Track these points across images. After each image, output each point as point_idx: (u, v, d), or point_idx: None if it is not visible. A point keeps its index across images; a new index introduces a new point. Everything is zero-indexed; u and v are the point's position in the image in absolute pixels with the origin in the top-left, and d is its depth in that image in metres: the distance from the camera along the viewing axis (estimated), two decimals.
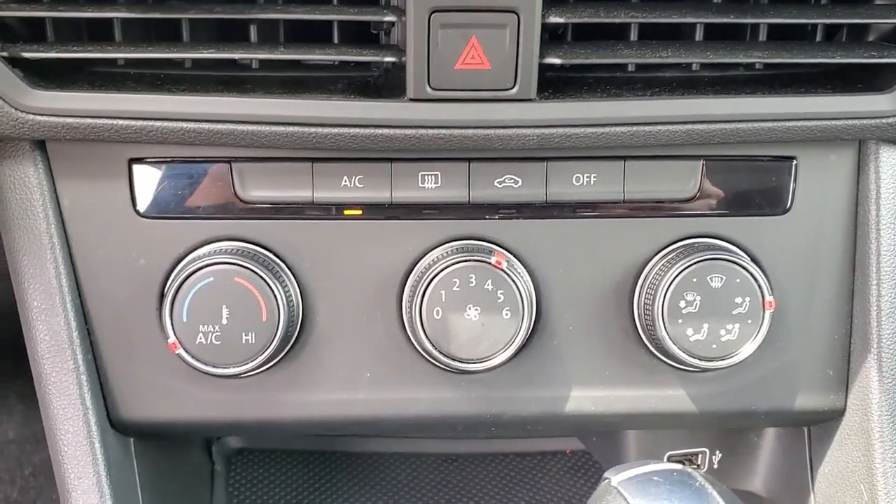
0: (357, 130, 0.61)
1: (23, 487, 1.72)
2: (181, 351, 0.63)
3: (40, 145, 0.63)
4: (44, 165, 0.64)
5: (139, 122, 0.61)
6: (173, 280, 0.63)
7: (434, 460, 0.94)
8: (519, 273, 0.65)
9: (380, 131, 0.62)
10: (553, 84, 0.62)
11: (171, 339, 0.62)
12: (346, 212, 0.66)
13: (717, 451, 0.82)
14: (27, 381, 1.83)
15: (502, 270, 0.64)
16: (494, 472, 0.93)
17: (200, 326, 0.63)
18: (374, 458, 0.97)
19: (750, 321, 0.65)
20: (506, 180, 0.66)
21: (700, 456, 0.83)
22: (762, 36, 0.65)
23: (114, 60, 0.62)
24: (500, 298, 0.64)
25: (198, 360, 0.63)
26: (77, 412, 0.64)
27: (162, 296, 0.64)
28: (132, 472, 0.69)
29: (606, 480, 0.45)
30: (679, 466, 0.46)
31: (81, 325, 0.65)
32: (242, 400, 0.66)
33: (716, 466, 0.82)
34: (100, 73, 0.62)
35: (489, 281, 0.64)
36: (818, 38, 0.66)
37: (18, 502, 1.70)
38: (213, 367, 0.63)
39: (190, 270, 0.62)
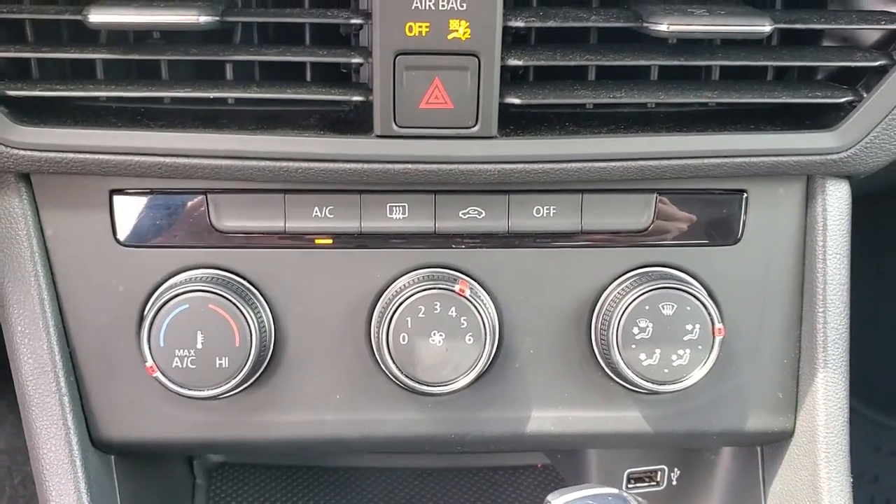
0: (327, 165, 0.65)
1: (12, 496, 1.74)
2: (158, 374, 0.65)
3: (25, 177, 0.66)
4: (28, 197, 0.67)
5: (119, 157, 0.64)
6: (151, 306, 0.66)
7: (408, 474, 0.97)
8: (482, 300, 0.68)
9: (349, 166, 0.65)
10: (515, 119, 0.65)
11: (149, 362, 0.65)
12: (317, 241, 0.69)
13: (676, 469, 0.85)
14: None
15: (466, 298, 0.67)
16: (467, 485, 0.96)
17: (176, 351, 0.65)
18: (351, 472, 0.99)
19: (700, 347, 0.68)
20: (470, 212, 0.69)
21: (659, 473, 0.86)
22: (715, 75, 0.68)
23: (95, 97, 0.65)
24: (463, 324, 0.67)
25: (174, 382, 0.66)
26: (59, 432, 0.67)
27: (140, 319, 0.67)
28: (113, 490, 0.72)
29: (547, 503, 0.48)
30: (615, 491, 0.49)
31: (64, 348, 0.68)
32: (218, 421, 0.69)
33: (674, 483, 0.85)
34: (82, 108, 0.65)
35: (453, 308, 0.67)
36: (769, 77, 0.70)
37: None
38: (189, 389, 0.66)
39: (167, 297, 0.65)
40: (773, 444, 0.76)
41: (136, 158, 0.64)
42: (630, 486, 0.75)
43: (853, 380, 1.80)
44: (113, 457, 0.72)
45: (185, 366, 0.66)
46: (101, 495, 0.69)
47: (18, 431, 1.74)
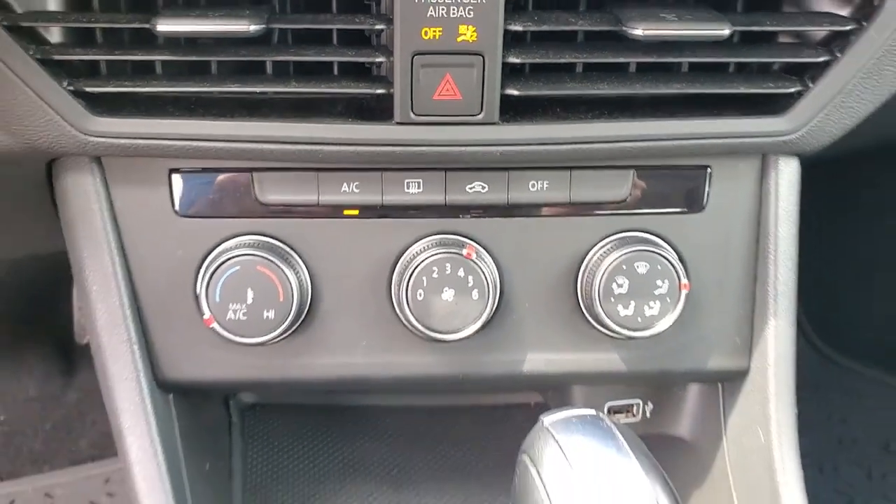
0: (354, 148, 0.76)
1: (45, 440, 1.88)
2: (215, 325, 0.78)
3: (97, 160, 0.78)
4: (100, 176, 0.78)
5: (178, 143, 0.75)
6: (207, 268, 0.78)
7: (420, 411, 1.10)
8: (486, 262, 0.81)
9: (373, 149, 0.76)
10: (514, 107, 0.77)
11: (207, 315, 0.78)
12: (346, 212, 0.81)
13: (649, 402, 0.99)
14: (44, 345, 1.99)
15: (472, 260, 0.79)
16: (470, 421, 1.09)
17: (230, 305, 0.78)
18: (367, 410, 1.12)
19: (668, 300, 0.80)
20: (475, 186, 0.81)
21: (635, 406, 0.99)
22: (684, 69, 0.80)
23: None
24: (470, 283, 0.79)
25: (228, 332, 0.78)
26: (131, 374, 0.79)
27: (196, 280, 0.79)
28: (172, 423, 0.84)
29: (540, 422, 0.60)
30: (592, 412, 0.61)
31: (132, 304, 0.80)
32: (263, 363, 0.82)
33: (648, 415, 0.99)
34: (143, 100, 0.76)
35: (461, 269, 0.79)
36: (731, 70, 0.81)
37: (41, 453, 1.86)
38: (241, 337, 0.79)
39: (221, 261, 0.77)
40: (732, 381, 0.90)
41: (192, 144, 0.75)
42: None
43: (831, 331, 1.96)
44: (171, 395, 0.84)
45: (237, 318, 0.78)
46: (163, 427, 0.81)
47: (47, 380, 1.87)
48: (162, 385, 0.82)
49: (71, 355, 1.92)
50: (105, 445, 1.84)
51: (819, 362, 2.12)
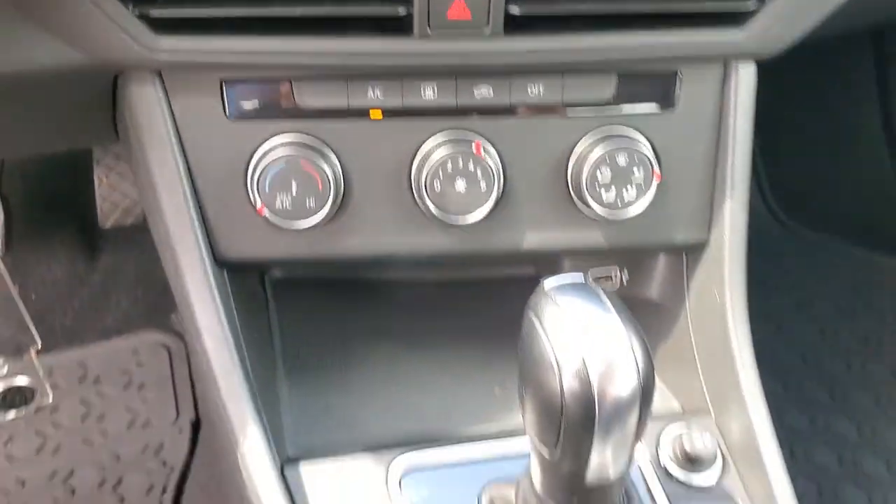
0: (379, 59, 0.90)
1: (74, 317, 2.04)
2: (265, 212, 0.93)
3: (158, 73, 0.91)
4: (161, 86, 0.91)
5: (228, 57, 0.88)
6: (256, 164, 0.92)
7: (430, 285, 1.26)
8: (491, 156, 0.95)
9: (395, 60, 0.90)
10: (517, 22, 0.89)
11: (258, 205, 0.92)
12: (371, 114, 0.95)
13: (625, 270, 1.16)
14: (69, 230, 2.15)
15: (480, 155, 0.94)
16: (475, 291, 1.24)
17: (277, 195, 0.92)
18: (383, 284, 1.28)
19: (643, 186, 0.95)
20: (482, 90, 0.94)
21: (613, 274, 1.17)
22: None
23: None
24: (478, 174, 0.94)
25: (277, 218, 0.93)
26: (194, 252, 0.93)
27: (246, 174, 0.94)
28: (227, 294, 1.00)
29: (541, 285, 0.76)
30: (582, 279, 0.77)
31: (194, 195, 0.94)
32: (306, 243, 0.96)
33: (624, 282, 1.16)
34: (195, 21, 0.88)
35: (471, 161, 0.94)
36: None
37: (71, 328, 2.02)
38: (287, 221, 0.94)
39: (268, 159, 0.92)
40: (694, 251, 1.05)
41: (242, 58, 0.88)
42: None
43: (794, 204, 2.14)
44: (226, 271, 1.00)
45: (284, 206, 0.93)
46: (223, 298, 0.97)
47: (72, 263, 2.02)
48: (220, 262, 0.97)
49: (94, 240, 2.05)
50: (130, 321, 2.01)
51: (782, 234, 2.30)
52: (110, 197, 1.94)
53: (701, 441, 0.96)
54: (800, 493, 1.88)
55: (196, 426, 1.83)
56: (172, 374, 1.93)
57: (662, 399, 1.10)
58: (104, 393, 1.88)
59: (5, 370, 0.86)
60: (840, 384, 2.02)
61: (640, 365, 0.70)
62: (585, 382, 0.68)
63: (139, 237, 2.03)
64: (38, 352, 0.82)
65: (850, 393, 2.00)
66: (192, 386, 1.90)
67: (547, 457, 0.74)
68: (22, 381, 0.85)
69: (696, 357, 1.06)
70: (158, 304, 2.03)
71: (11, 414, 0.87)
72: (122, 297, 2.03)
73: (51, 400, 0.88)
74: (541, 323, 0.71)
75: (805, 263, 2.28)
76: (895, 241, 2.21)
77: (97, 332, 2.00)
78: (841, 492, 1.84)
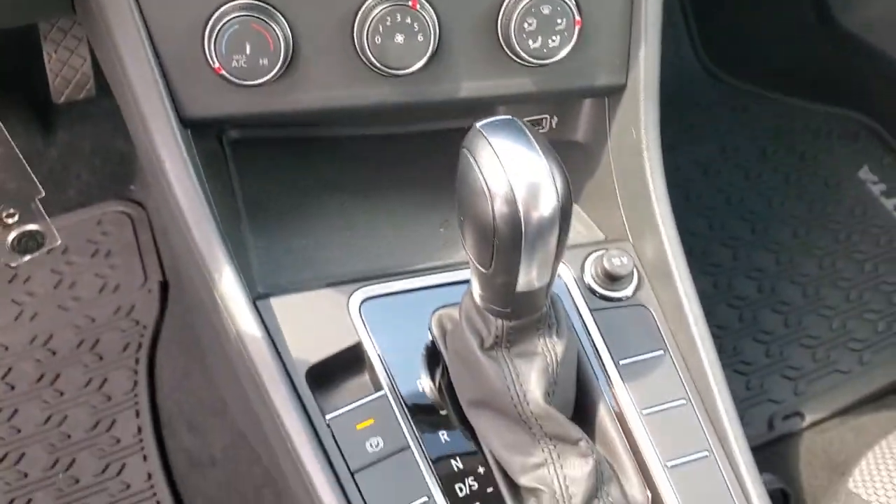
0: None
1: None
2: (223, 72, 1.01)
3: None
4: None
5: None
6: (211, 28, 1.00)
7: (377, 139, 1.33)
8: (427, 10, 1.03)
9: None
10: None
11: (216, 65, 1.01)
12: None
13: (554, 116, 1.27)
14: (23, 108, 2.17)
15: (416, 9, 1.02)
16: (420, 143, 1.32)
17: (234, 56, 1.00)
18: (334, 140, 1.36)
19: (566, 33, 1.05)
20: None
21: (544, 119, 1.28)
22: None
23: None
24: (416, 28, 1.03)
25: (234, 76, 1.01)
26: (161, 112, 0.99)
27: (203, 38, 1.01)
28: (192, 150, 1.08)
29: (474, 126, 0.87)
30: (510, 117, 0.88)
31: (156, 58, 1.01)
32: (261, 100, 1.05)
33: (553, 126, 1.28)
34: None
35: (408, 17, 1.02)
36: None
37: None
38: (243, 80, 1.02)
39: (223, 22, 0.99)
40: (614, 94, 1.15)
41: None
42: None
43: (722, 53, 2.24)
44: (189, 130, 1.09)
45: (240, 65, 1.01)
46: (188, 153, 1.06)
47: (30, 138, 2.06)
48: (184, 122, 1.06)
49: (49, 116, 2.09)
50: (91, 194, 2.08)
51: (711, 84, 2.42)
52: (61, 73, 1.98)
53: (619, 260, 1.11)
54: (723, 320, 2.08)
55: (164, 286, 1.94)
56: (137, 241, 2.02)
57: (587, 230, 1.24)
58: (73, 262, 1.98)
59: (17, 218, 0.95)
60: (762, 221, 2.19)
61: (559, 189, 0.82)
62: (513, 205, 0.80)
63: (93, 110, 2.08)
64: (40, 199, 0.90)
65: (770, 228, 2.17)
66: (157, 250, 2.00)
67: (484, 271, 0.87)
68: (32, 226, 0.95)
69: (617, 192, 1.19)
70: (117, 175, 2.10)
71: (27, 257, 0.97)
72: (82, 170, 2.10)
73: (59, 242, 0.97)
74: (474, 157, 0.82)
75: (732, 111, 2.42)
76: (814, 86, 2.35)
77: (60, 206, 2.07)
78: (760, 317, 2.04)
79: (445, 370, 1.04)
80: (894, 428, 1.84)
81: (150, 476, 1.72)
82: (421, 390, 1.04)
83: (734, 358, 1.96)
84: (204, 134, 1.16)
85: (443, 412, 1.04)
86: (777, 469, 1.78)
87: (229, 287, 1.02)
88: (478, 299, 0.93)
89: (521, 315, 0.91)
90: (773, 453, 1.84)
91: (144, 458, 1.74)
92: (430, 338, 1.07)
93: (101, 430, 1.76)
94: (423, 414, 1.03)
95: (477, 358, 0.94)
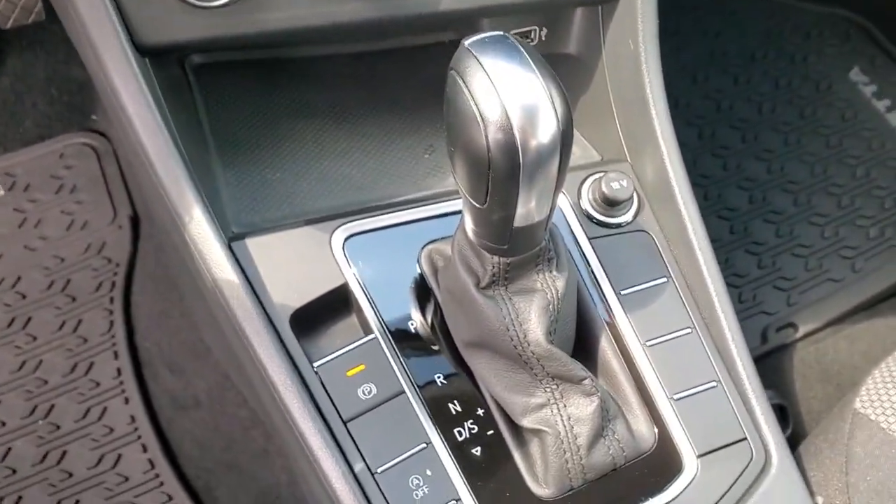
0: None
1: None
2: None
3: None
4: None
5: None
6: None
7: (350, 57, 1.25)
8: None
9: None
10: None
11: None
12: None
13: (544, 28, 1.18)
14: None
15: None
16: (396, 61, 1.24)
17: None
18: (303, 60, 1.26)
19: None
20: None
21: (532, 32, 1.18)
22: None
23: None
24: None
25: None
26: (113, 41, 0.91)
27: None
28: (153, 82, 0.99)
29: (462, 44, 0.78)
30: (501, 33, 0.79)
31: None
32: (221, 22, 0.96)
33: (543, 38, 1.19)
34: None
35: None
36: None
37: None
38: (201, 1, 0.93)
39: None
40: (609, 3, 1.07)
41: None
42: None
43: None
44: (147, 59, 0.99)
45: None
46: (147, 84, 0.97)
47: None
48: (140, 50, 0.96)
49: None
50: (51, 125, 1.97)
51: None
52: None
53: (618, 183, 1.04)
54: (714, 232, 2.03)
55: (135, 221, 1.86)
56: (103, 174, 1.93)
57: (583, 151, 1.16)
58: (37, 199, 1.89)
59: None
60: (752, 128, 2.12)
61: (559, 113, 0.74)
62: (509, 133, 0.72)
63: (45, 36, 1.95)
64: None
65: (761, 135, 2.11)
66: (125, 183, 1.91)
67: (478, 206, 0.80)
68: None
69: (614, 108, 1.11)
70: (76, 105, 1.99)
71: None
72: (38, 100, 1.98)
73: (2, 192, 0.90)
74: (463, 80, 0.74)
75: (720, 13, 2.32)
76: None
77: (18, 140, 1.96)
78: (752, 228, 1.99)
79: (438, 308, 0.98)
80: (888, 336, 1.82)
81: (133, 419, 1.67)
82: (413, 331, 0.98)
83: (726, 271, 1.92)
84: (163, 61, 1.06)
85: (435, 347, 0.98)
86: (772, 383, 1.76)
87: (201, 228, 0.95)
88: (471, 235, 0.86)
89: (519, 251, 0.84)
90: (767, 366, 1.82)
91: (126, 400, 1.68)
92: (419, 272, 1.00)
93: (78, 373, 1.70)
94: (416, 356, 0.97)
95: (473, 298, 0.88)
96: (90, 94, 2.00)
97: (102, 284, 1.81)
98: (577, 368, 0.90)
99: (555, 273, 0.88)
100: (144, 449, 1.64)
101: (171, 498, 1.60)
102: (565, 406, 0.90)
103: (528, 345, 0.87)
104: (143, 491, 1.61)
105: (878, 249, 1.98)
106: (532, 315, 0.87)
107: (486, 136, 0.73)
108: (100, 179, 1.93)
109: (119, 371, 1.71)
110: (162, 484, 1.61)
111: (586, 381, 0.90)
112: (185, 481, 1.60)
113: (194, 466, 1.61)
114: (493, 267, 0.85)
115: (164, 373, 1.69)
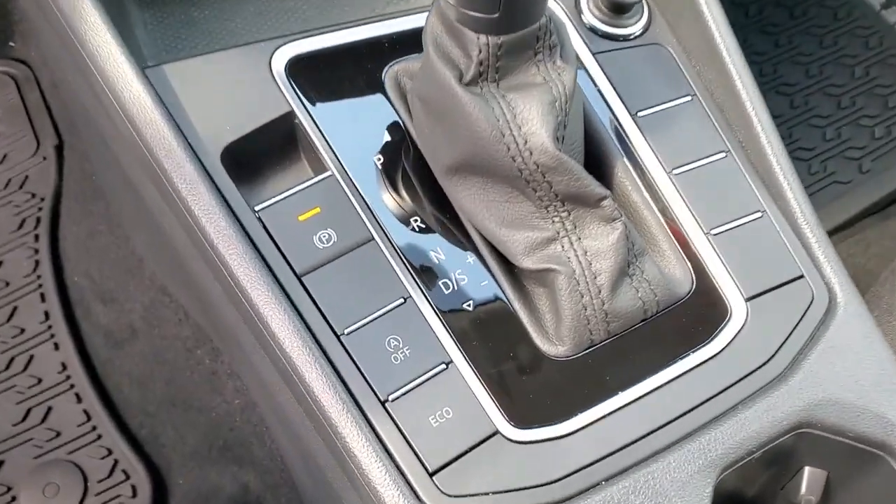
0: None
1: None
2: None
3: None
4: None
5: None
6: None
7: None
8: None
9: None
10: None
11: None
12: None
13: None
14: None
15: None
16: None
17: None
18: None
19: None
20: None
21: None
22: None
23: None
24: None
25: None
26: None
27: None
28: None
29: None
30: None
31: None
32: None
33: None
34: None
35: None
36: None
37: None
38: None
39: None
40: None
41: None
42: None
43: None
44: None
45: None
46: None
47: None
48: None
49: None
50: None
51: None
52: None
53: None
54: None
55: (60, 149, 1.64)
56: (24, 103, 1.72)
57: None
58: None
59: None
60: (740, 31, 1.95)
61: None
62: None
63: None
64: None
65: (749, 38, 1.96)
66: (49, 110, 1.69)
67: None
68: None
69: None
70: None
71: None
72: None
73: None
74: None
75: None
76: None
77: None
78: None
79: (410, 144, 0.78)
80: None
81: (64, 366, 1.45)
82: (379, 166, 0.78)
83: None
84: None
85: (408, 186, 0.78)
86: None
87: (109, 56, 0.74)
88: (451, 9, 0.66)
89: (515, 24, 0.65)
90: None
91: (56, 346, 1.47)
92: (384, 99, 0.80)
93: None
94: (384, 196, 0.77)
95: (455, 96, 0.67)
96: (7, 18, 1.79)
97: (25, 222, 1.59)
98: (595, 184, 0.70)
99: (559, 63, 0.68)
100: (79, 399, 1.42)
101: (110, 452, 1.38)
102: (579, 238, 0.71)
103: (531, 153, 0.67)
104: (78, 446, 1.39)
105: (886, 149, 1.82)
106: (533, 113, 0.67)
107: None
108: (20, 109, 1.71)
109: (47, 315, 1.49)
110: (100, 437, 1.39)
111: (606, 202, 0.70)
112: (127, 431, 1.39)
113: (136, 412, 1.39)
114: (480, 51, 0.66)
115: (97, 307, 1.47)
